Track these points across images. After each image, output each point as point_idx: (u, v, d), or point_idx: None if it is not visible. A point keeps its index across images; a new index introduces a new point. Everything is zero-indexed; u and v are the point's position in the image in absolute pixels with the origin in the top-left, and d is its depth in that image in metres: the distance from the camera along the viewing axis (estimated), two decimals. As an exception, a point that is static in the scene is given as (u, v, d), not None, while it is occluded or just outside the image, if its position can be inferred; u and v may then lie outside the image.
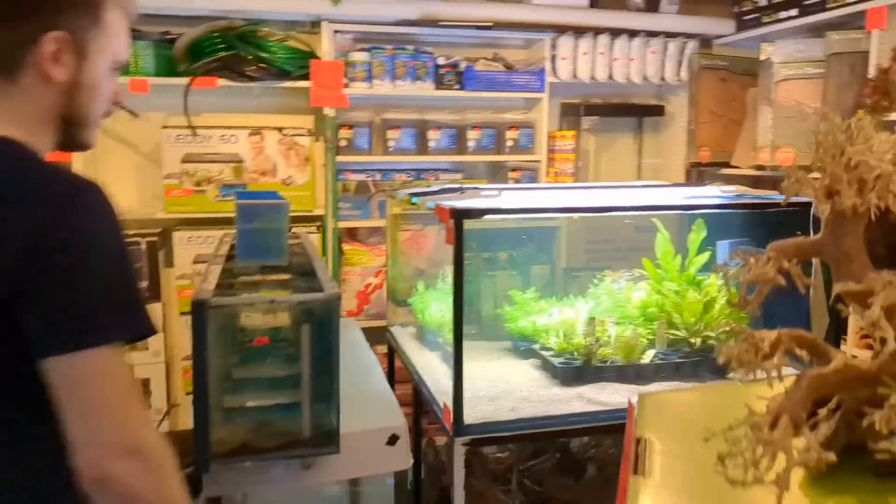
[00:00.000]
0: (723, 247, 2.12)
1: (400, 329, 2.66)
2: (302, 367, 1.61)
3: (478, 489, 2.30)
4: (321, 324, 1.55)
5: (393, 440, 1.72)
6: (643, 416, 0.78)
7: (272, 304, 1.53)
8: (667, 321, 1.99)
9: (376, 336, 3.44)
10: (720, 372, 1.97)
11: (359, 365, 2.14)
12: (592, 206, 1.80)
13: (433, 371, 2.13)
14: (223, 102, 3.41)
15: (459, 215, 1.70)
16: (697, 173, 3.80)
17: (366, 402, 1.85)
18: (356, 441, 1.69)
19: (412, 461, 1.76)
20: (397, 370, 2.67)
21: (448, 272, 2.42)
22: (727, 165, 3.57)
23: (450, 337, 2.06)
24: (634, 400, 0.82)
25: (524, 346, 2.17)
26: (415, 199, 2.16)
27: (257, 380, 1.81)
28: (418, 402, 2.45)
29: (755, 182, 3.59)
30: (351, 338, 2.45)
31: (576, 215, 2.44)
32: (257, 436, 1.67)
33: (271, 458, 1.60)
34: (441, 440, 2.76)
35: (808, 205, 2.02)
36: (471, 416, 1.79)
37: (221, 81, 3.23)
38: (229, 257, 2.08)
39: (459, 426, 1.76)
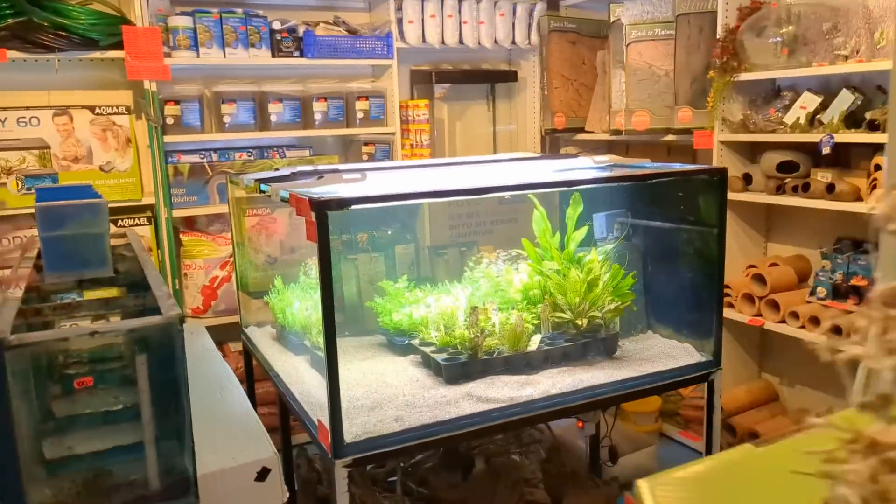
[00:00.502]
0: (599, 219, 2.04)
1: (256, 330, 2.37)
2: (142, 405, 1.31)
3: (359, 498, 2.09)
4: (161, 353, 1.26)
5: (263, 475, 1.47)
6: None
7: (94, 336, 1.21)
8: (550, 303, 1.88)
9: (227, 334, 3.10)
10: (609, 353, 1.89)
11: (211, 384, 1.84)
12: (474, 187, 1.62)
13: (301, 380, 1.88)
14: (18, 79, 2.90)
15: (322, 207, 1.45)
16: (552, 140, 3.76)
17: (226, 432, 1.58)
18: (218, 483, 1.42)
19: (287, 495, 1.52)
20: (255, 367, 2.38)
21: (311, 266, 2.17)
22: (582, 131, 3.54)
23: (319, 341, 1.82)
24: (631, 494, 0.64)
25: (401, 342, 1.97)
26: (264, 187, 1.88)
27: (87, 416, 1.48)
28: (284, 407, 2.19)
29: (609, 147, 3.61)
30: (198, 348, 2.13)
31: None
32: (91, 494, 1.35)
33: (111, 523, 1.30)
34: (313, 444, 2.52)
35: (690, 172, 1.99)
36: (350, 432, 1.57)
37: (13, 53, 2.73)
38: (39, 267, 1.70)
39: (339, 447, 1.54)
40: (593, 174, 1.81)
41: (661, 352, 1.96)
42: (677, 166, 1.92)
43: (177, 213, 3.14)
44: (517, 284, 1.93)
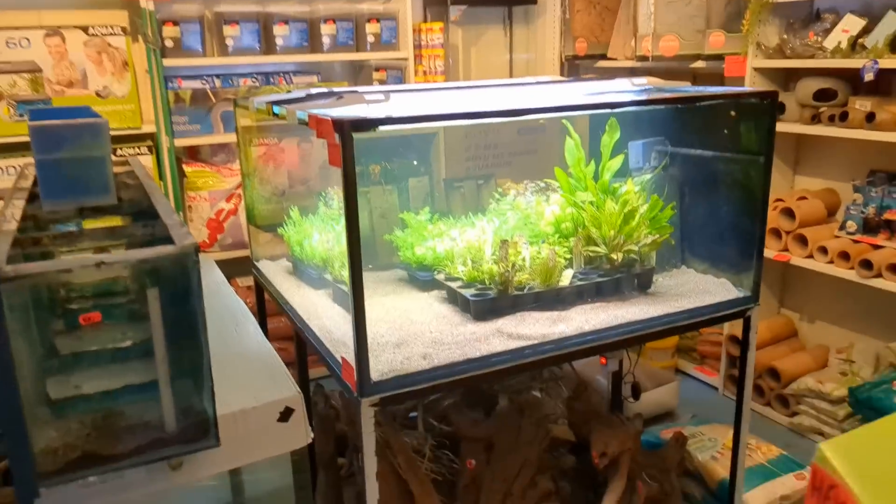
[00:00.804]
0: (636, 148, 1.90)
1: (269, 264, 2.26)
2: (155, 342, 1.21)
3: (380, 438, 2.02)
4: (176, 286, 1.15)
5: (286, 415, 1.39)
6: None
7: (101, 267, 1.10)
8: (584, 236, 1.76)
9: (235, 268, 3.00)
10: (643, 288, 1.79)
11: (225, 320, 1.75)
12: (515, 108, 1.48)
13: (320, 315, 1.78)
14: (4, -4, 2.71)
15: (346, 127, 1.32)
16: (571, 67, 3.57)
17: (244, 371, 1.49)
18: (239, 424, 1.33)
19: (312, 436, 1.44)
20: (267, 302, 2.28)
21: (332, 196, 2.04)
22: (604, 58, 3.36)
23: (342, 274, 1.72)
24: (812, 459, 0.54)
25: (424, 276, 1.86)
26: (277, 109, 1.74)
27: (95, 353, 1.38)
28: (301, 343, 2.11)
29: (631, 75, 3.43)
30: (209, 282, 2.02)
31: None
32: (103, 436, 1.27)
33: (126, 468, 1.22)
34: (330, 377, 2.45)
35: (739, 95, 1.85)
36: (376, 369, 1.48)
37: (-3, -33, 2.53)
38: (34, 196, 1.58)
39: (365, 385, 1.45)
40: (637, 97, 1.67)
41: (696, 287, 1.86)
42: (725, 89, 1.78)
43: (179, 143, 3.00)
44: (548, 217, 1.82)
